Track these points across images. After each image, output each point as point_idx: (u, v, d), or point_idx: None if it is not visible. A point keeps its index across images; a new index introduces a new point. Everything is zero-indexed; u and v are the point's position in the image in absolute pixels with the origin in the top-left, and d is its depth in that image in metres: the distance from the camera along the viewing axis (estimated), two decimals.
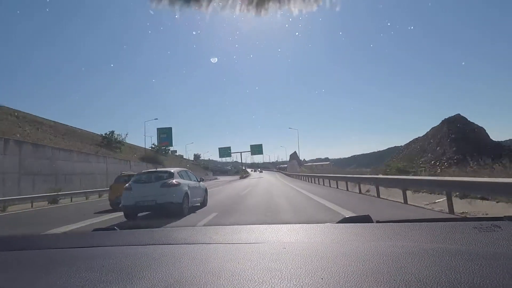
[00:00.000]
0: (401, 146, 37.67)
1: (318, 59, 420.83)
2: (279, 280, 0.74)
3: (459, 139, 25.66)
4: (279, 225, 1.59)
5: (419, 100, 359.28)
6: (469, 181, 6.87)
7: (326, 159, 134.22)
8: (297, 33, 77.52)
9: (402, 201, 9.20)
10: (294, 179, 41.17)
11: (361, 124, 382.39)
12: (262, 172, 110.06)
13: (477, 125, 28.13)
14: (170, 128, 64.38)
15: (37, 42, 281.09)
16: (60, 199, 20.14)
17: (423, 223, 1.38)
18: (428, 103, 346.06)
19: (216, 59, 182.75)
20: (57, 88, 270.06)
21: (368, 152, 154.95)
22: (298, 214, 8.39)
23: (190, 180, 10.41)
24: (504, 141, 32.08)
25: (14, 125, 26.34)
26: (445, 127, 28.78)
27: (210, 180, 58.93)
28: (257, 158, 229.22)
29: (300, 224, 1.56)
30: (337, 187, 17.59)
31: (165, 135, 62.96)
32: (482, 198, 7.38)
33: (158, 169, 11.29)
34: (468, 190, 7.28)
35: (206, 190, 11.86)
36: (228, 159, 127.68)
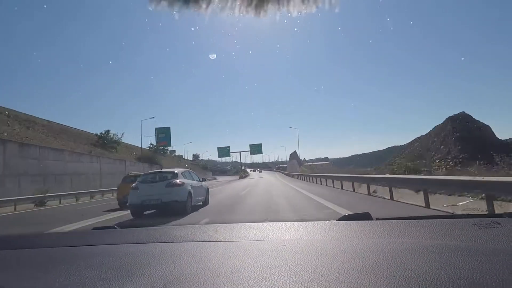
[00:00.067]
0: (400, 145, 37.01)
1: (317, 55, 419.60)
2: (279, 277, 0.73)
3: (464, 138, 24.82)
4: (279, 222, 1.56)
5: (418, 100, 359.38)
6: None
7: (326, 159, 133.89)
8: (296, 29, 76.99)
9: (423, 205, 7.93)
10: (294, 179, 40.31)
11: (361, 124, 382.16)
12: (261, 172, 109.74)
13: (482, 123, 27.30)
14: (169, 128, 63.86)
15: (34, 41, 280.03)
16: (48, 201, 19.08)
17: (422, 220, 1.40)
18: (427, 102, 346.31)
19: (215, 55, 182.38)
20: (55, 87, 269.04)
21: (368, 152, 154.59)
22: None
23: (193, 180, 10.87)
24: (504, 140, 31.04)
25: (3, 124, 25.53)
26: (449, 125, 27.99)
27: (209, 180, 58.22)
28: (257, 158, 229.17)
29: (300, 222, 1.55)
30: (342, 188, 16.42)
31: (163, 135, 62.43)
32: None
33: (163, 170, 11.90)
34: None
35: (208, 190, 12.29)
36: (227, 159, 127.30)
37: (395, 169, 15.80)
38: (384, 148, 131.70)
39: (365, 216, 1.49)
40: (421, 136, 31.94)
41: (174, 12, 1.38)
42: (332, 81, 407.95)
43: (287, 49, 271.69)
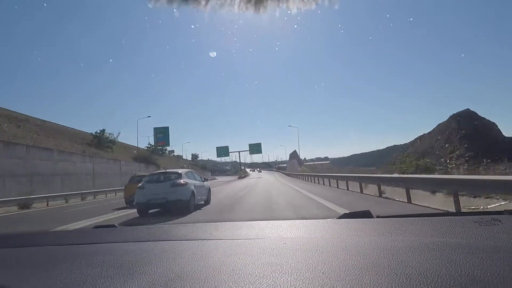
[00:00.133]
0: (400, 145, 36.14)
1: (317, 53, 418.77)
2: (280, 275, 0.73)
3: (470, 136, 23.90)
4: (279, 221, 1.53)
5: (418, 99, 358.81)
6: None
7: (326, 158, 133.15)
8: (295, 26, 76.01)
9: (450, 209, 6.62)
10: (294, 178, 39.32)
11: (361, 124, 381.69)
12: (261, 171, 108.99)
13: (488, 120, 26.38)
14: (167, 128, 63.27)
15: (33, 40, 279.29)
16: (34, 203, 18.07)
17: (423, 217, 1.38)
18: (427, 102, 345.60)
19: (215, 53, 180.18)
20: (54, 87, 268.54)
21: (368, 151, 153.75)
22: None
23: (196, 180, 11.36)
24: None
25: None
26: (453, 123, 27.07)
27: (208, 180, 57.54)
28: (256, 158, 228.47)
29: (300, 220, 1.54)
30: (348, 189, 15.22)
31: (161, 134, 61.84)
32: None
33: (168, 170, 12.45)
34: None
35: (209, 190, 12.74)
36: (226, 159, 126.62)
37: (405, 168, 14.73)
38: (384, 147, 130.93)
39: (365, 214, 1.48)
40: (424, 134, 31.04)
41: (174, 10, 1.50)
42: (332, 79, 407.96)
43: (287, 47, 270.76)
